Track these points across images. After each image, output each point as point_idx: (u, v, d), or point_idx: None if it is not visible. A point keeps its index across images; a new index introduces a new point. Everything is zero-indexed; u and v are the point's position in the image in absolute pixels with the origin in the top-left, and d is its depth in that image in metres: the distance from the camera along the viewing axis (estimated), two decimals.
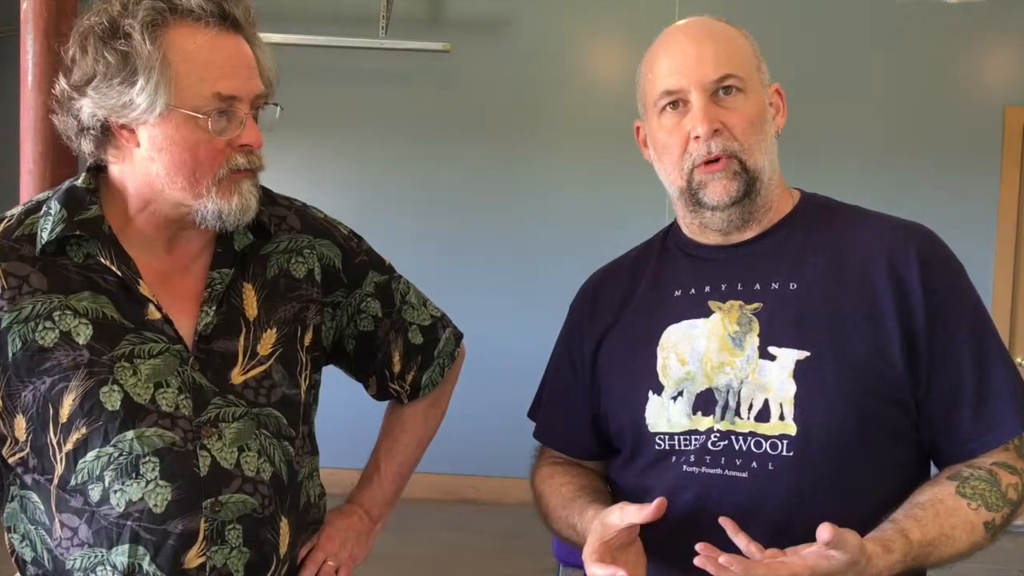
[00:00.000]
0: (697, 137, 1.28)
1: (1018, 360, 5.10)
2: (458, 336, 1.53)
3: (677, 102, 1.30)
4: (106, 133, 1.22)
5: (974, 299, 1.30)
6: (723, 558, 1.07)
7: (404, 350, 1.46)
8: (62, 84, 1.21)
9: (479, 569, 4.28)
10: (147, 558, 1.21)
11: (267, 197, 1.37)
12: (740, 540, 1.13)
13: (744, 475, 1.25)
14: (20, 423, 1.22)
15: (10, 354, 1.20)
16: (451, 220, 5.31)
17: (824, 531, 1.06)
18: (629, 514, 1.21)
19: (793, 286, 1.30)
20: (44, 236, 1.22)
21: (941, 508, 1.20)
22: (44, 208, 1.25)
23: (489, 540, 4.53)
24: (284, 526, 1.29)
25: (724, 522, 1.15)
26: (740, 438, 1.26)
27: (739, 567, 1.07)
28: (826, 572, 1.08)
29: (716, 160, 1.28)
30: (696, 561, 1.09)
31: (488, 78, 5.27)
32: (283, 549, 1.30)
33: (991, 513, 1.21)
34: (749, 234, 1.35)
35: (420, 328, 1.48)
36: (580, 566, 1.25)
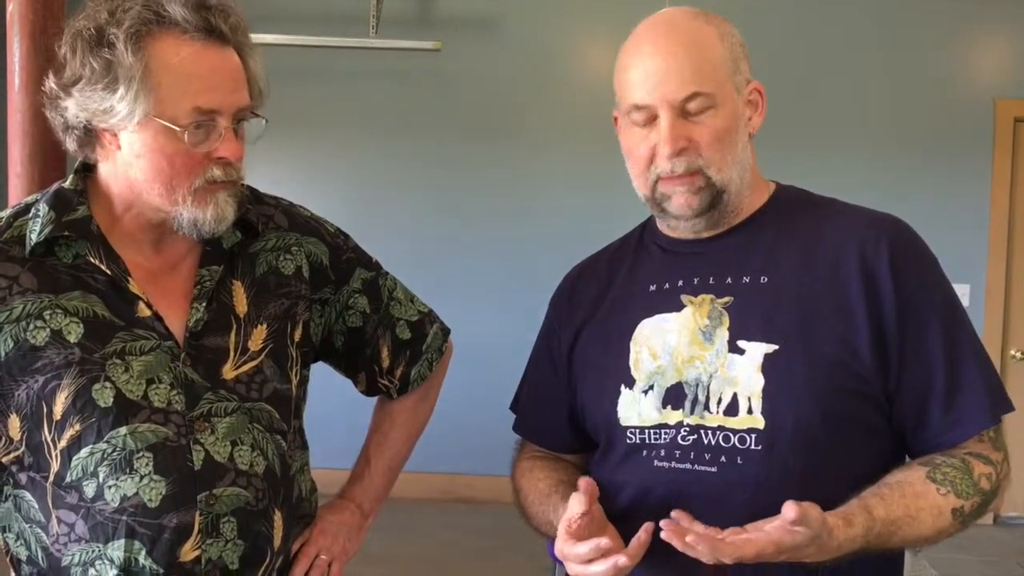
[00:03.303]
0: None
1: (1013, 352, 5.14)
2: (445, 331, 1.54)
3: (647, 118, 1.28)
4: (89, 134, 1.23)
5: (947, 292, 1.29)
6: (690, 537, 1.07)
7: (392, 345, 1.48)
8: (51, 81, 1.23)
9: (475, 568, 4.28)
10: (143, 552, 1.22)
11: (253, 196, 1.38)
12: (697, 528, 1.13)
13: (713, 469, 1.24)
14: (14, 422, 1.23)
15: (2, 354, 1.21)
16: (444, 218, 5.32)
17: (789, 510, 1.06)
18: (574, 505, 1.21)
19: (764, 279, 1.29)
20: (33, 237, 1.24)
21: (909, 490, 1.20)
22: (32, 210, 1.27)
23: (485, 539, 4.54)
24: (278, 519, 1.31)
25: (677, 514, 1.16)
26: (709, 432, 1.25)
27: (706, 545, 1.07)
28: (790, 547, 1.09)
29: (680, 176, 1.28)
30: (663, 535, 1.09)
31: (479, 76, 5.28)
32: (277, 542, 1.31)
33: (960, 500, 1.21)
34: (721, 228, 1.35)
35: (408, 324, 1.49)
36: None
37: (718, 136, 1.27)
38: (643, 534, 1.19)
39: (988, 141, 5.13)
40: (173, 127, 1.19)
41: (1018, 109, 5.12)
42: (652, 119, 1.28)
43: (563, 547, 1.20)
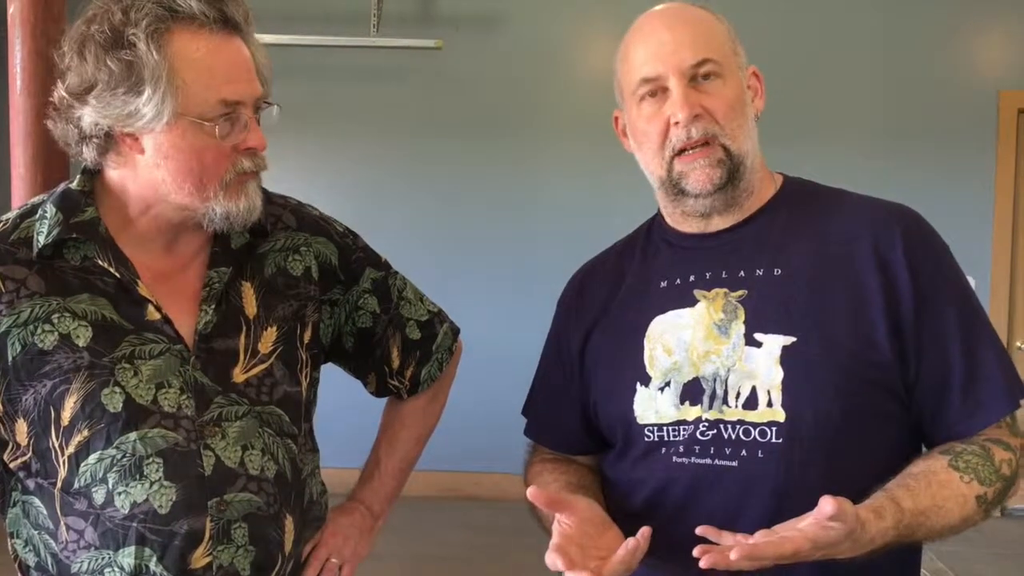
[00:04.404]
0: (677, 123, 1.27)
1: (1018, 344, 5.12)
2: (455, 331, 1.53)
3: (656, 90, 1.29)
4: (109, 140, 1.21)
5: (961, 280, 1.29)
6: (733, 554, 1.04)
7: (402, 346, 1.47)
8: (60, 91, 1.20)
9: (482, 566, 4.28)
10: (153, 559, 1.20)
11: (263, 196, 1.36)
12: (726, 539, 1.11)
13: (734, 464, 1.24)
14: (21, 427, 1.21)
15: (10, 358, 1.19)
16: (446, 216, 5.31)
17: (827, 505, 1.05)
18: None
19: (777, 272, 1.29)
20: (40, 239, 1.22)
21: (933, 479, 1.19)
22: (39, 211, 1.25)
23: (492, 536, 4.53)
24: (289, 524, 1.29)
25: (703, 531, 1.13)
26: (728, 426, 1.25)
27: (744, 553, 1.05)
28: (826, 544, 1.07)
29: (698, 144, 1.27)
30: (702, 564, 1.06)
31: (481, 74, 5.26)
32: (288, 547, 1.30)
33: (983, 487, 1.20)
34: (731, 220, 1.34)
35: (418, 323, 1.48)
36: None
37: (730, 104, 1.28)
38: (632, 543, 1.16)
39: (992, 133, 5.12)
40: (203, 122, 1.17)
41: (1022, 101, 5.10)
42: (662, 92, 1.28)
43: (547, 555, 1.17)
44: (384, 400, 1.56)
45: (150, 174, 1.21)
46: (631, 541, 1.16)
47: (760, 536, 1.09)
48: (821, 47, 5.11)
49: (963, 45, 5.14)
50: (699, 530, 1.13)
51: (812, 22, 5.12)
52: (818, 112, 5.07)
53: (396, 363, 1.47)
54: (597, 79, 5.08)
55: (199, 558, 1.22)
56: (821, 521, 1.06)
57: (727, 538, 1.11)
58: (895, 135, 5.13)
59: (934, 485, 1.19)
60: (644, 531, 1.18)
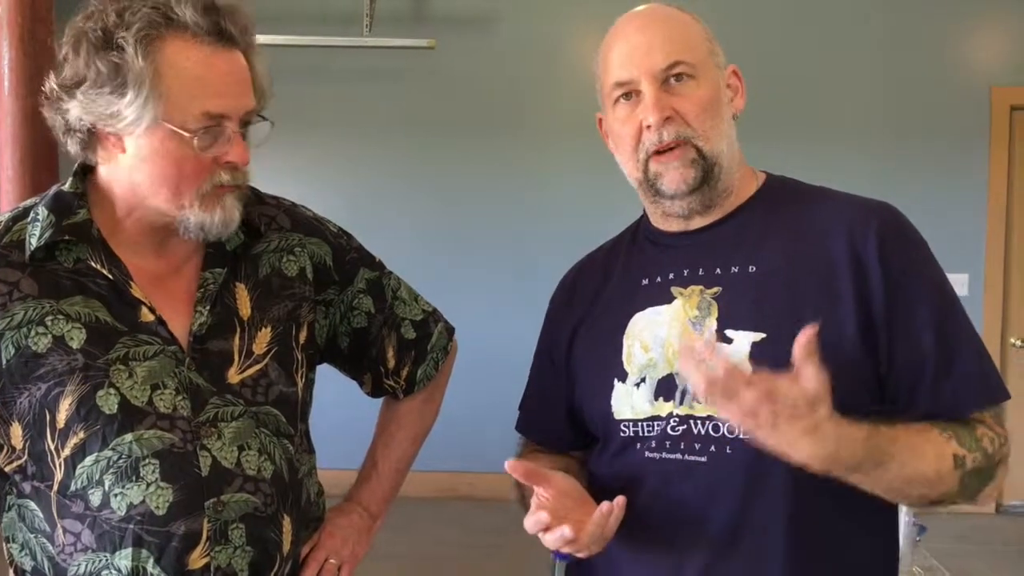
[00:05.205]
0: (649, 126, 1.28)
1: (1012, 341, 5.14)
2: (450, 330, 1.54)
3: (630, 93, 1.30)
4: (92, 136, 1.21)
5: (936, 276, 1.28)
6: (696, 344, 1.05)
7: (397, 346, 1.47)
8: (52, 82, 1.20)
9: (477, 565, 4.28)
10: (151, 561, 1.20)
11: (255, 197, 1.37)
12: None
13: (703, 459, 1.24)
14: (16, 431, 1.21)
15: (4, 361, 1.19)
16: (441, 216, 5.31)
17: (809, 327, 1.05)
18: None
19: (752, 269, 1.29)
20: (33, 242, 1.22)
21: (913, 426, 1.19)
22: (32, 214, 1.25)
23: (487, 536, 4.54)
24: (286, 524, 1.29)
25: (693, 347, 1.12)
26: (698, 422, 1.26)
27: (707, 351, 1.05)
28: (785, 394, 1.06)
29: (670, 148, 1.28)
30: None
31: (474, 73, 5.26)
32: (286, 547, 1.30)
33: (963, 449, 1.19)
34: (711, 218, 1.35)
35: (412, 323, 1.48)
36: (570, 558, 1.25)
37: (703, 106, 1.29)
38: (605, 507, 1.18)
39: (984, 129, 5.14)
40: (182, 132, 1.17)
41: (1014, 97, 5.12)
42: (636, 95, 1.30)
43: (534, 531, 1.21)
44: (380, 401, 1.55)
45: (130, 176, 1.21)
46: (605, 505, 1.17)
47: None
48: (813, 45, 5.11)
49: (956, 42, 5.15)
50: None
51: (804, 20, 5.12)
52: (810, 110, 5.08)
53: (391, 363, 1.47)
54: (590, 78, 5.08)
55: (197, 559, 1.21)
56: (787, 375, 1.06)
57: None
58: (887, 132, 5.15)
59: (913, 430, 1.18)
60: (619, 499, 1.19)
